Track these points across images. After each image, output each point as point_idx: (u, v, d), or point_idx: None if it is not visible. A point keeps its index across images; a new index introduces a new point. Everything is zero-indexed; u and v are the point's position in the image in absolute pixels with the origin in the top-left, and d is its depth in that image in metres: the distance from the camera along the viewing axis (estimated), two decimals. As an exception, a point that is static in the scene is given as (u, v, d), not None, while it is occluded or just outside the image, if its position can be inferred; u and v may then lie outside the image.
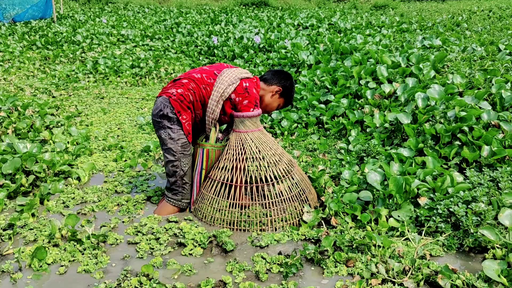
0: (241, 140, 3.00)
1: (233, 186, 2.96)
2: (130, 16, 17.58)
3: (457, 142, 3.57)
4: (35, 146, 3.81)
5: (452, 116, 3.77)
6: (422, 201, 2.94)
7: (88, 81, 7.77)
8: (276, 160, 3.03)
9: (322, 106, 4.99)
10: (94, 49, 10.39)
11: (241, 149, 2.99)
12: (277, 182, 2.98)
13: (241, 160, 2.96)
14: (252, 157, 2.97)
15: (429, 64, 5.43)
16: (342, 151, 3.99)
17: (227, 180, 2.98)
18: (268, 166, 2.98)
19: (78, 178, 3.70)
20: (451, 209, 2.74)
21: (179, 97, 2.93)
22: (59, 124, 4.99)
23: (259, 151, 2.99)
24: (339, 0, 27.05)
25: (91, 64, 8.58)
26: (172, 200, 3.08)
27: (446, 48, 6.78)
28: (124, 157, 4.16)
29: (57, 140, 4.39)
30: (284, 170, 3.04)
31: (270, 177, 2.96)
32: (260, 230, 2.88)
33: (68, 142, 4.38)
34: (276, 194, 2.96)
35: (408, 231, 2.76)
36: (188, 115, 2.98)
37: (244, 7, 22.36)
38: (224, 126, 3.36)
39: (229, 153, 3.01)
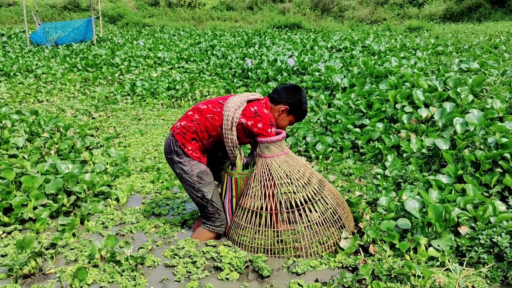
0: (267, 166, 2.96)
1: (269, 213, 2.95)
2: (166, 39, 18.04)
3: (499, 169, 3.48)
4: (76, 167, 3.93)
5: (493, 142, 3.69)
6: (463, 230, 2.87)
7: (126, 103, 7.99)
8: (305, 183, 2.98)
9: (357, 130, 4.96)
10: (131, 71, 10.69)
11: (268, 175, 2.95)
12: (307, 206, 2.93)
13: (269, 186, 2.93)
14: (280, 183, 2.93)
15: (467, 88, 5.34)
16: (379, 176, 3.95)
17: (257, 208, 2.96)
18: (297, 191, 2.94)
19: (117, 199, 3.79)
20: (494, 240, 2.66)
21: (182, 130, 2.98)
22: (99, 145, 5.13)
23: (286, 175, 2.95)
24: (372, 22, 27.05)
25: (128, 86, 8.83)
26: (210, 227, 3.09)
27: (484, 71, 6.66)
28: (161, 178, 4.24)
29: (97, 161, 4.52)
30: (314, 191, 2.99)
31: (300, 201, 2.92)
32: (295, 256, 2.86)
33: (107, 163, 4.50)
34: (308, 219, 2.92)
35: (449, 261, 2.69)
36: (194, 145, 2.99)
37: (277, 29, 22.62)
38: (248, 150, 3.39)
39: (256, 179, 2.98)
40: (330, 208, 2.99)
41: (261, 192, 2.95)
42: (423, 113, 4.77)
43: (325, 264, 2.75)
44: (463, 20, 24.26)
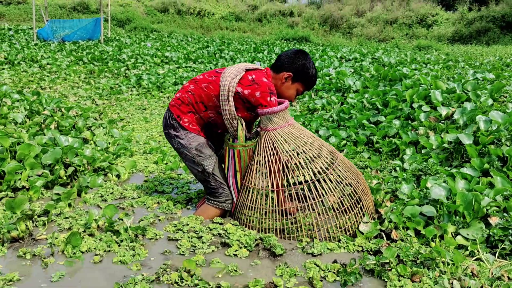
0: (270, 139, 2.69)
1: (275, 191, 2.68)
2: (174, 43, 17.94)
3: (528, 165, 3.25)
4: (76, 141, 3.70)
5: (521, 138, 3.47)
6: (493, 221, 2.62)
7: (131, 94, 7.79)
8: (314, 156, 2.69)
9: (372, 125, 4.74)
10: (138, 67, 10.52)
11: (272, 149, 2.68)
12: (320, 177, 2.62)
13: (274, 162, 2.66)
14: (286, 157, 2.65)
15: (486, 92, 5.14)
16: (397, 168, 3.71)
17: (263, 187, 2.71)
18: (306, 165, 2.66)
19: (118, 176, 3.56)
20: (530, 230, 2.42)
21: (177, 102, 2.81)
22: (101, 126, 4.91)
23: (292, 148, 2.68)
24: (380, 41, 27.03)
25: (134, 79, 8.64)
26: (214, 202, 2.84)
27: (501, 81, 6.47)
28: (165, 160, 4.00)
29: (99, 139, 4.29)
30: (325, 164, 2.69)
31: (310, 176, 2.63)
32: (309, 237, 2.61)
33: (109, 143, 4.27)
34: (320, 194, 2.61)
35: (479, 250, 2.45)
36: (190, 117, 2.79)
37: (285, 41, 22.57)
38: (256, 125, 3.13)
39: (260, 155, 2.72)
40: (344, 181, 2.68)
41: (266, 169, 2.69)
42: (443, 111, 4.55)
43: (344, 248, 2.51)
44: (472, 43, 24.21)
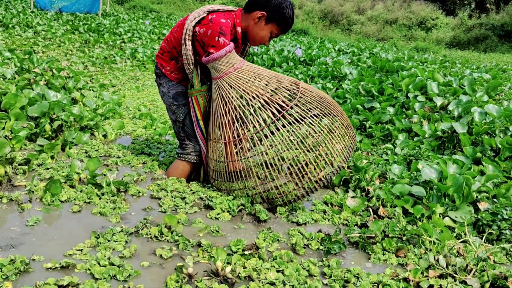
0: (219, 89, 2.48)
1: (224, 144, 2.49)
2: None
3: (520, 157, 3.23)
4: (65, 97, 3.61)
5: (515, 131, 3.44)
6: (483, 206, 2.59)
7: (125, 65, 7.66)
8: (267, 100, 2.42)
9: (367, 111, 4.69)
10: (134, 42, 10.37)
11: (221, 100, 2.47)
12: (278, 119, 2.37)
13: (224, 113, 2.46)
14: (237, 105, 2.43)
15: (483, 89, 5.11)
16: (389, 152, 3.67)
17: (215, 139, 2.55)
18: (256, 112, 2.41)
19: (105, 135, 3.47)
20: (518, 216, 2.39)
21: (160, 51, 2.77)
22: (92, 89, 4.81)
23: (241, 95, 2.45)
24: (378, 40, 26.98)
25: (129, 51, 8.51)
26: (181, 156, 2.76)
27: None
28: (154, 125, 3.92)
29: (88, 100, 4.19)
30: (286, 97, 2.45)
31: (269, 116, 2.40)
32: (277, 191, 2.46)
33: (98, 105, 4.17)
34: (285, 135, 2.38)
35: (466, 233, 2.41)
36: (172, 65, 2.71)
37: (284, 31, 22.38)
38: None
39: (212, 107, 2.55)
40: (310, 113, 2.45)
41: (218, 121, 2.51)
42: (438, 101, 4.51)
43: (329, 220, 2.46)
44: (469, 49, 24.26)
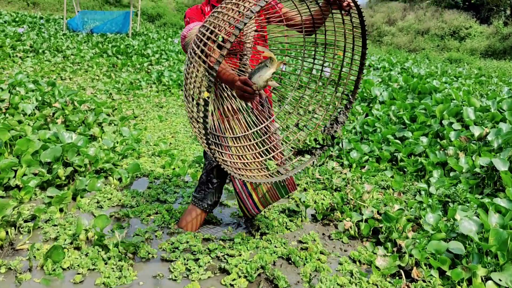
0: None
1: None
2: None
3: None
4: (81, 138, 3.50)
5: None
6: (531, 265, 2.30)
7: (150, 90, 7.60)
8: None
9: (398, 141, 4.41)
10: (161, 63, 10.36)
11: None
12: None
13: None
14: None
15: (524, 113, 4.75)
16: (422, 192, 3.39)
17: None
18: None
19: (120, 179, 3.33)
20: None
21: None
22: (112, 123, 4.71)
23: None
24: (410, 51, 26.44)
25: (155, 75, 8.46)
26: (196, 202, 2.62)
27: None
28: (173, 165, 3.76)
29: (106, 137, 4.08)
30: None
31: None
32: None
33: (117, 142, 4.06)
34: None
35: (513, 301, 2.13)
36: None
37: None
38: None
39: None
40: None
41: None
42: (476, 131, 4.19)
43: (356, 284, 2.22)
44: (506, 58, 23.41)
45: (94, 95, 6.49)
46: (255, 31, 2.50)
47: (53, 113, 4.47)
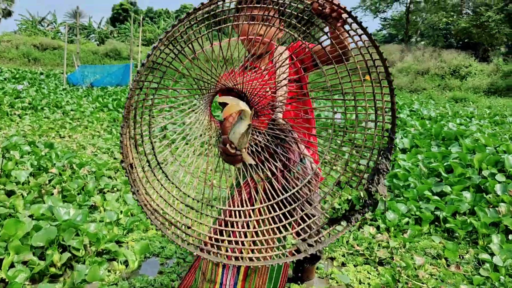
0: None
1: None
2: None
3: None
4: (79, 213, 3.00)
5: None
6: None
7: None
8: None
9: (437, 198, 3.91)
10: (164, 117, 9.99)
11: None
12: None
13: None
14: None
15: None
16: (487, 264, 2.85)
17: None
18: None
19: (126, 263, 2.81)
20: None
21: None
22: (115, 188, 4.23)
23: None
24: (411, 91, 26.34)
25: (158, 128, 8.06)
26: None
27: None
28: (186, 238, 3.24)
29: (109, 208, 3.59)
30: None
31: None
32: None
33: (121, 212, 3.56)
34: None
35: None
36: None
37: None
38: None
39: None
40: None
41: None
42: (526, 183, 3.72)
43: None
44: (510, 96, 23.24)
45: (94, 154, 6.04)
46: (293, 80, 2.07)
47: (50, 180, 4.01)
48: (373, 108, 1.79)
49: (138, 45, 20.12)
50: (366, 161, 1.74)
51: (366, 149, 1.78)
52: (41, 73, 22.27)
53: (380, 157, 1.72)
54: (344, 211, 1.77)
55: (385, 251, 3.09)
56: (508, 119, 10.54)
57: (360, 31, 1.55)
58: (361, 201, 1.75)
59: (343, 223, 1.79)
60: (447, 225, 3.52)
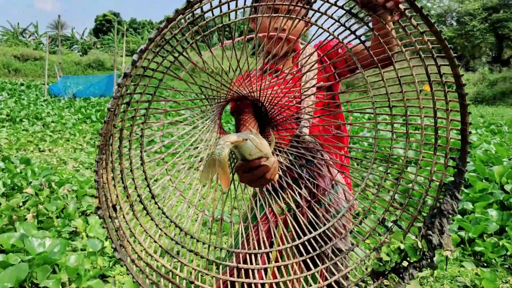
0: None
1: None
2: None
3: None
4: (57, 243, 2.54)
5: None
6: None
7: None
8: None
9: (461, 217, 3.54)
10: (151, 128, 9.54)
11: None
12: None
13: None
14: None
15: None
16: (536, 298, 2.47)
17: None
18: None
19: (113, 304, 2.36)
20: None
21: None
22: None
23: None
24: (397, 101, 26.33)
25: (146, 142, 7.59)
26: None
27: None
28: (183, 270, 2.80)
29: (92, 234, 3.12)
30: None
31: None
32: None
33: (106, 238, 3.10)
34: None
35: None
36: None
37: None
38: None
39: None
40: None
41: None
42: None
43: None
44: (497, 104, 23.28)
45: (76, 170, 5.55)
46: (324, 89, 1.67)
47: (24, 202, 3.53)
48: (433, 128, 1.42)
49: (122, 55, 19.65)
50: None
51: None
52: (22, 84, 21.61)
53: (443, 194, 1.34)
54: (394, 264, 1.36)
55: (413, 282, 2.68)
56: (503, 128, 10.33)
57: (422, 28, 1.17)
58: (418, 253, 1.34)
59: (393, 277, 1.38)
60: (475, 248, 3.13)
